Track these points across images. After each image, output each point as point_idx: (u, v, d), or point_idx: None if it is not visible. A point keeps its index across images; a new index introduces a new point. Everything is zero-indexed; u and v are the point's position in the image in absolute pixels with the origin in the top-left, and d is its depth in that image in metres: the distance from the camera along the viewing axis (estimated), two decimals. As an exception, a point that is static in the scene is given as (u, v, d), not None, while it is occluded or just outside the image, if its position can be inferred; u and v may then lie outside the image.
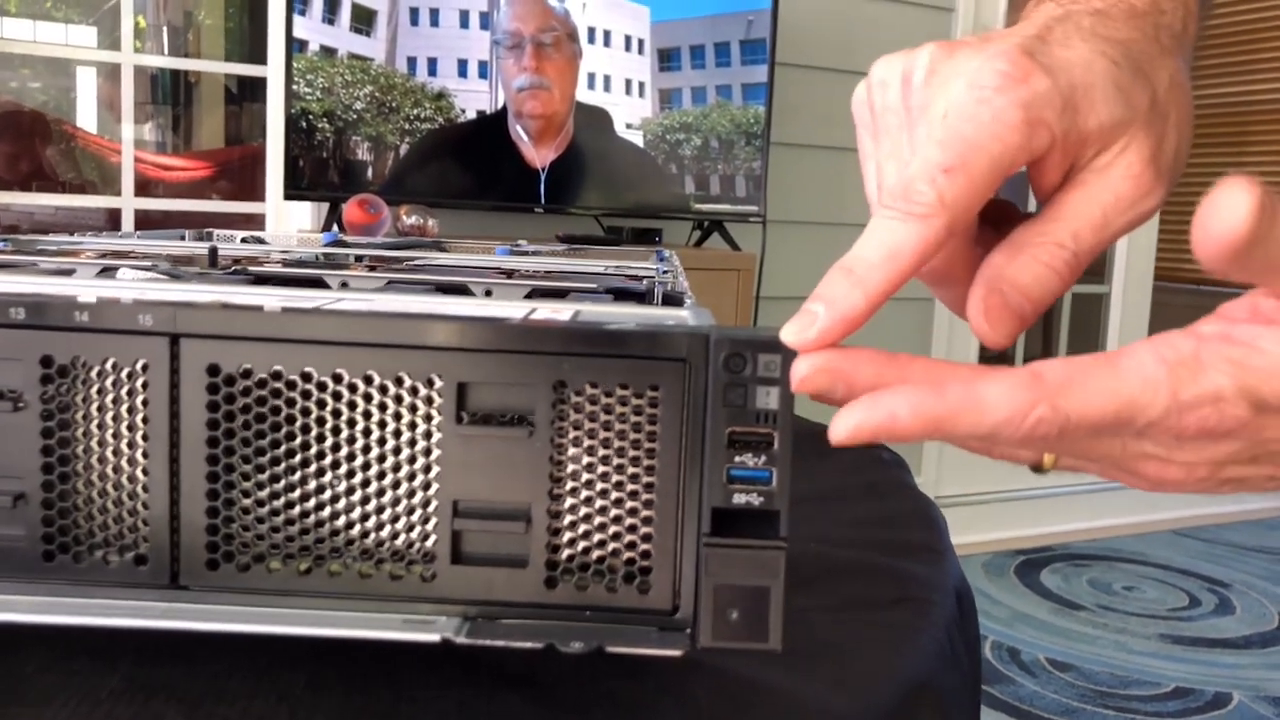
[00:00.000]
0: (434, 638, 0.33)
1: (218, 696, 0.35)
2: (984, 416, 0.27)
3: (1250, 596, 2.53)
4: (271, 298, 0.37)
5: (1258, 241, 0.24)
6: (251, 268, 0.55)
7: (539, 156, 2.06)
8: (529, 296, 0.48)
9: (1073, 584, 2.54)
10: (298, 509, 0.35)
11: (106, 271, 0.50)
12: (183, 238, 0.91)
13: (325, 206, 2.04)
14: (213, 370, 0.34)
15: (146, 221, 2.37)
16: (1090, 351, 0.29)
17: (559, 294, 0.49)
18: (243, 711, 0.35)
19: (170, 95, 3.92)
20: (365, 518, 0.35)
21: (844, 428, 0.28)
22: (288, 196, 1.95)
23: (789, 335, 0.30)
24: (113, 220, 2.38)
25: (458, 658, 0.39)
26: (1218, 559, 2.79)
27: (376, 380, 0.34)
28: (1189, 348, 0.28)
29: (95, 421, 0.34)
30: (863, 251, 0.30)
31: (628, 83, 2.11)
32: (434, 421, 0.34)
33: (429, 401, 0.34)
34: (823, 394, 0.30)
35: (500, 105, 2.02)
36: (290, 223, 2.20)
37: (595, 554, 0.35)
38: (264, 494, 0.34)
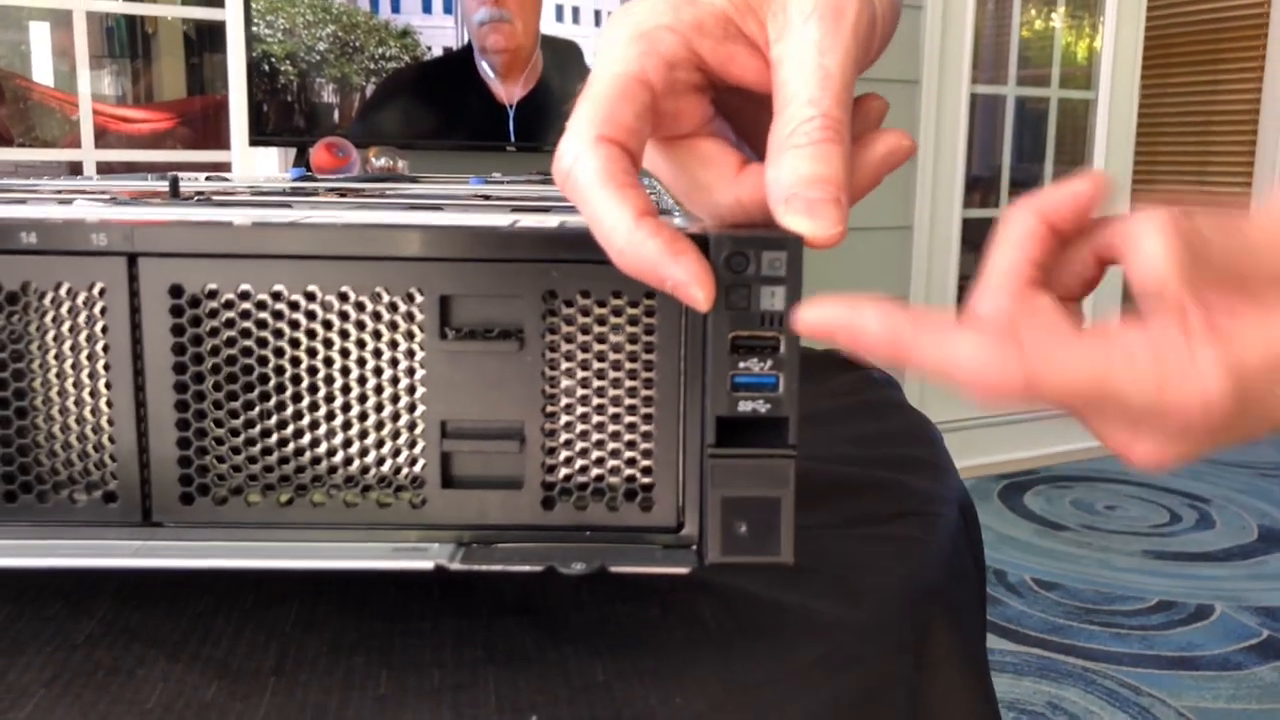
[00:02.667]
0: (427, 565, 0.31)
1: (202, 637, 0.34)
2: (956, 361, 0.27)
3: (1230, 510, 2.56)
4: (236, 215, 0.34)
5: None
6: (215, 197, 0.53)
7: (507, 93, 2.01)
8: (511, 213, 0.46)
9: (1056, 505, 2.56)
10: (275, 437, 0.32)
11: (62, 204, 0.47)
12: (145, 179, 0.87)
13: (292, 152, 2.00)
14: (175, 291, 0.31)
15: (109, 173, 2.31)
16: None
17: (541, 210, 0.46)
18: (228, 651, 0.33)
19: (128, 47, 3.81)
20: (348, 443, 0.33)
21: (812, 313, 0.28)
22: (253, 143, 1.90)
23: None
24: (74, 174, 2.32)
25: (453, 586, 0.37)
26: (1197, 475, 2.82)
27: (353, 297, 0.32)
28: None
29: (52, 351, 0.32)
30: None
31: (597, 14, 2.06)
32: (417, 338, 0.32)
33: (410, 317, 0.32)
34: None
35: (466, 42, 1.97)
36: (257, 170, 2.15)
37: (594, 471, 0.33)
38: (238, 422, 0.32)
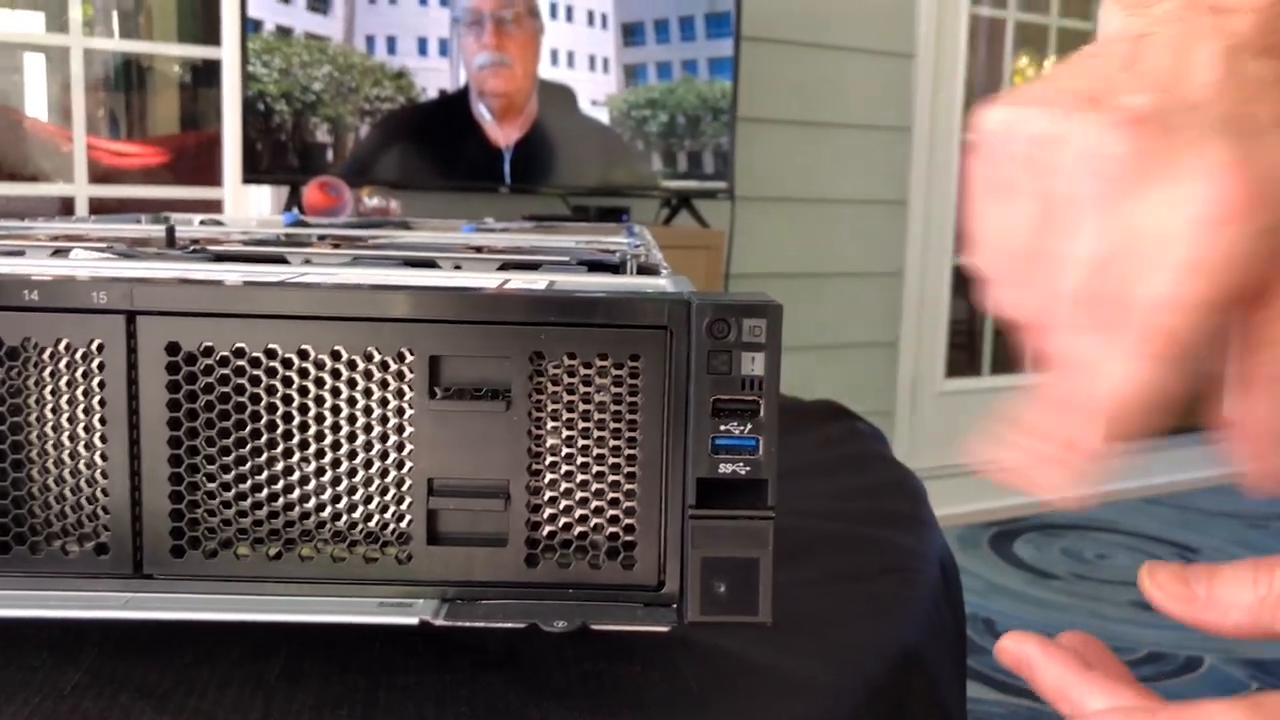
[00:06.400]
0: (412, 620, 0.32)
1: (188, 688, 0.34)
2: None
3: (1219, 560, 2.55)
4: (232, 273, 0.35)
5: None
6: (211, 247, 0.53)
7: (503, 135, 2.03)
8: (500, 270, 0.47)
9: (1046, 554, 2.56)
10: (266, 492, 0.33)
11: (59, 254, 0.48)
12: (139, 222, 0.88)
13: (285, 190, 2.01)
14: (172, 349, 0.32)
15: (101, 209, 2.32)
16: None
17: (531, 267, 0.47)
18: (214, 703, 0.33)
19: (122, 81, 3.84)
20: (337, 499, 0.33)
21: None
22: (246, 180, 1.92)
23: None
24: (66, 209, 2.33)
25: (436, 641, 0.38)
26: (1188, 525, 2.83)
27: (345, 356, 0.33)
28: None
29: (49, 405, 0.33)
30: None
31: (591, 59, 2.09)
32: (406, 397, 0.33)
33: (400, 377, 0.33)
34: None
35: (462, 84, 2.00)
36: (249, 207, 2.16)
37: (577, 530, 0.34)
38: (230, 477, 0.33)
